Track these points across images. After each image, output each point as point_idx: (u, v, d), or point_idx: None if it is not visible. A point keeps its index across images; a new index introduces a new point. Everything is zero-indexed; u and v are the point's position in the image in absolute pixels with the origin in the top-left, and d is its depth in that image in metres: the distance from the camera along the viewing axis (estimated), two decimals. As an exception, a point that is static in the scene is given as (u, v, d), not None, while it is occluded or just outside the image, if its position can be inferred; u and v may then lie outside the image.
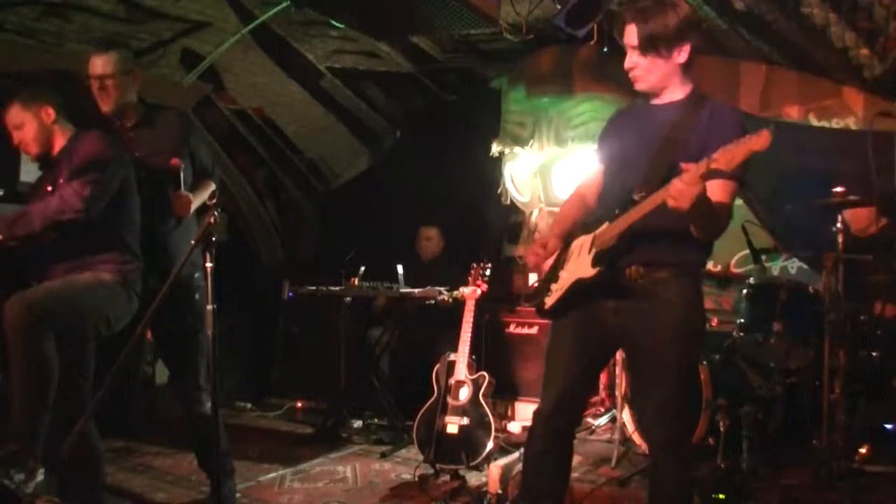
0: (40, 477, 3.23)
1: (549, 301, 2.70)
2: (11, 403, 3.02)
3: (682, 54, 2.51)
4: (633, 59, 2.55)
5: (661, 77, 2.55)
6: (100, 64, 3.35)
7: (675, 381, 2.50)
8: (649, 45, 2.48)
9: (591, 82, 5.13)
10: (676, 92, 2.58)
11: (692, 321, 2.53)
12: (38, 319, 2.94)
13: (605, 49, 4.95)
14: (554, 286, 2.70)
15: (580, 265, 2.58)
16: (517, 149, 5.47)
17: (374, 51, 5.51)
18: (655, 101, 2.63)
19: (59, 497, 3.10)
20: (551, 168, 5.32)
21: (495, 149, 5.59)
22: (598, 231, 2.56)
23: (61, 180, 3.17)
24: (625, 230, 2.44)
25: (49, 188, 3.22)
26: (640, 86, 2.59)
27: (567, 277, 2.64)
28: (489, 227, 6.31)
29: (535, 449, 2.70)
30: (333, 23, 4.86)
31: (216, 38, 5.00)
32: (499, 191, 5.78)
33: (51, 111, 3.27)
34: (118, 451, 4.61)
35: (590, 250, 2.55)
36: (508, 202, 5.78)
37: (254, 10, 4.74)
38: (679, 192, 2.16)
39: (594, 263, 2.52)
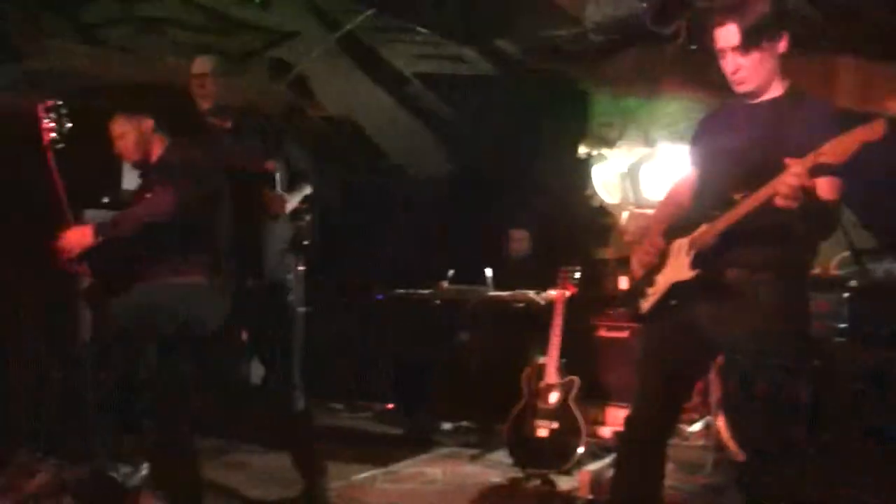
0: (143, 472, 3.37)
1: (645, 305, 2.63)
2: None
3: (782, 43, 2.41)
4: (736, 62, 2.41)
5: (766, 73, 2.43)
6: (200, 64, 3.65)
7: (777, 393, 2.37)
8: (753, 38, 2.36)
9: (678, 81, 5.02)
10: (775, 88, 2.48)
11: (794, 327, 2.42)
12: (132, 323, 3.05)
13: (693, 46, 4.83)
14: (649, 290, 2.62)
15: (677, 268, 2.50)
16: (605, 150, 5.41)
17: (459, 55, 5.52)
18: (752, 101, 2.52)
19: (160, 492, 3.22)
20: (640, 169, 5.24)
21: (582, 151, 5.54)
22: (696, 233, 2.47)
23: (157, 186, 3.30)
24: (725, 230, 2.35)
25: (147, 195, 3.35)
26: (745, 87, 2.46)
27: (663, 280, 2.56)
28: (578, 229, 6.25)
29: (627, 458, 2.63)
30: (418, 28, 4.90)
31: (304, 47, 5.10)
32: (587, 193, 5.72)
33: (149, 121, 3.41)
34: (214, 449, 4.73)
35: (688, 252, 2.47)
36: (597, 204, 5.72)
37: (340, 18, 4.82)
38: (787, 187, 2.06)
39: (692, 265, 2.44)
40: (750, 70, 2.42)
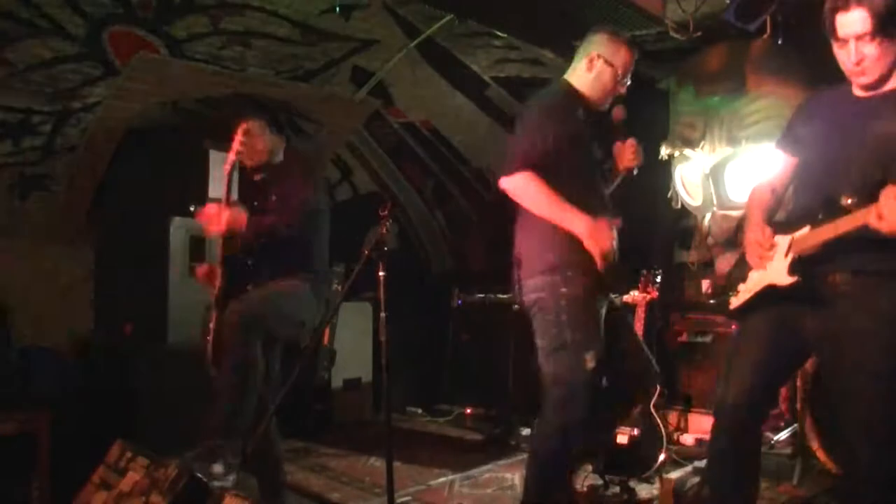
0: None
1: (736, 302, 2.55)
2: (216, 400, 3.30)
3: None
4: (861, 51, 2.24)
5: (890, 63, 2.27)
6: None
7: (886, 397, 2.23)
8: (885, 26, 2.19)
9: (765, 78, 4.85)
10: (891, 80, 2.32)
11: None
12: (251, 322, 3.20)
13: (780, 42, 4.69)
14: (742, 286, 2.54)
15: (775, 270, 2.40)
16: (687, 151, 5.27)
17: (538, 58, 5.50)
18: (867, 93, 2.35)
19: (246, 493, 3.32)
20: (724, 170, 5.09)
21: (664, 151, 5.42)
22: (797, 234, 2.35)
23: (273, 196, 3.44)
24: (831, 240, 2.23)
25: (256, 202, 3.51)
26: (867, 79, 2.30)
27: (758, 280, 2.47)
28: (659, 232, 6.13)
29: (720, 447, 2.47)
30: (496, 33, 4.90)
31: (384, 54, 5.17)
32: (669, 195, 5.61)
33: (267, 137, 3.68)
34: (297, 452, 4.86)
35: (786, 254, 2.36)
36: (679, 206, 5.60)
37: (419, 25, 4.86)
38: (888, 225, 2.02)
39: (791, 271, 2.33)
40: (874, 60, 2.26)
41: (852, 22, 2.23)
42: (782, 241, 2.41)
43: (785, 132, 2.64)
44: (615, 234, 2.96)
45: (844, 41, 2.28)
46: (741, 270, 2.59)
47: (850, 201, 2.18)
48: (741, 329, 2.57)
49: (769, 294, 2.42)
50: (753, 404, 2.45)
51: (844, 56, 2.30)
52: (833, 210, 2.23)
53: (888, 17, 2.19)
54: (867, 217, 2.09)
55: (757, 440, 2.52)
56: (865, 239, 2.18)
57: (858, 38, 2.24)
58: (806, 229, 2.32)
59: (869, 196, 2.13)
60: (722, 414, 2.47)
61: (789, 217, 2.50)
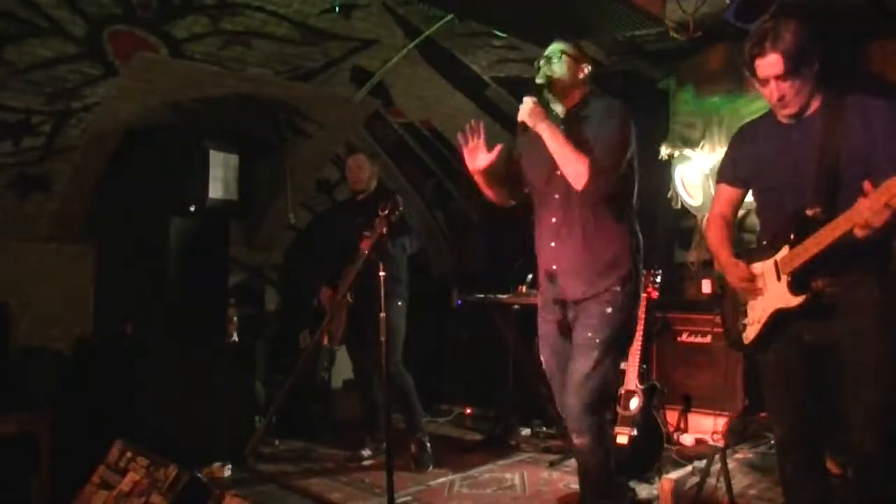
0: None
1: (749, 336, 2.66)
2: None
3: (817, 61, 2.49)
4: (781, 88, 2.49)
5: (808, 91, 2.51)
6: None
7: (887, 382, 2.40)
8: (797, 65, 2.44)
9: (764, 78, 4.87)
10: (813, 102, 2.55)
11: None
12: None
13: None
14: (745, 320, 2.67)
15: (776, 294, 2.52)
16: (687, 151, 5.29)
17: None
18: (790, 121, 2.58)
19: None
20: (723, 170, 5.10)
21: (664, 151, 5.43)
22: (779, 256, 2.51)
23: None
24: (819, 253, 2.38)
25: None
26: (790, 111, 2.54)
27: (763, 308, 2.59)
28: (659, 232, 6.12)
29: (790, 480, 2.68)
30: (496, 33, 4.90)
31: (384, 54, 5.16)
32: (669, 195, 5.61)
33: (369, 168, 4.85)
34: (297, 452, 4.86)
35: (778, 277, 2.50)
36: (679, 206, 5.60)
37: (419, 25, 4.85)
38: (866, 229, 2.20)
39: (795, 290, 2.46)
40: (793, 94, 2.49)
41: (770, 64, 2.47)
42: (763, 266, 2.58)
43: (724, 168, 2.89)
44: None
45: (766, 81, 2.51)
46: (735, 305, 2.75)
47: (815, 211, 2.40)
48: (765, 369, 2.71)
49: (778, 320, 2.55)
50: (805, 440, 2.63)
51: (768, 93, 2.54)
52: (803, 224, 2.43)
53: (799, 57, 2.44)
54: (848, 223, 2.26)
55: (823, 470, 2.67)
56: (843, 244, 2.34)
57: (777, 77, 2.48)
58: (785, 250, 2.49)
59: (830, 202, 2.39)
60: (783, 454, 2.70)
61: (761, 243, 2.68)
